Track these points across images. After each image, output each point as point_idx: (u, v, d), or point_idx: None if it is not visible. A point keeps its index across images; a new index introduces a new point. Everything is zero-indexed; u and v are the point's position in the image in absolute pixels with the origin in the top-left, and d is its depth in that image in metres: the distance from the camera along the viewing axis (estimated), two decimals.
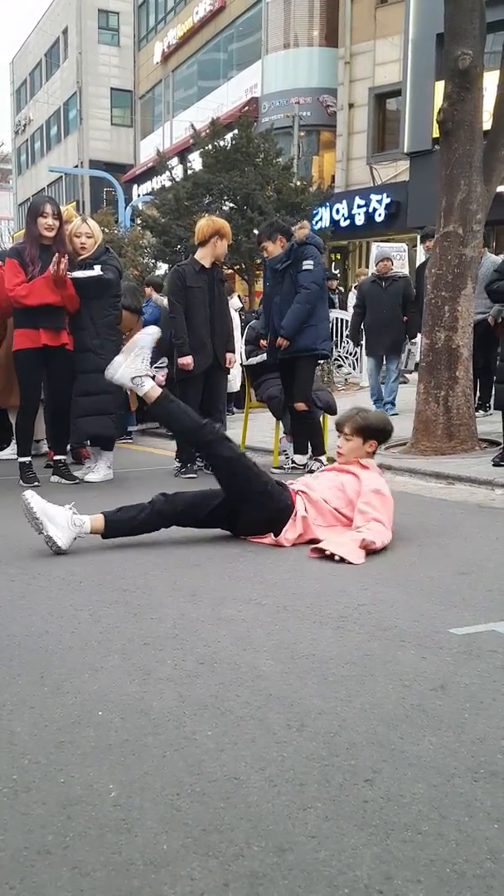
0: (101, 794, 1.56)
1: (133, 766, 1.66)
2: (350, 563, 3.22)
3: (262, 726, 1.83)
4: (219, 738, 1.78)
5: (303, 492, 3.66)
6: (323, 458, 5.67)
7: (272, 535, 3.60)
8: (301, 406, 5.54)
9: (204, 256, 5.58)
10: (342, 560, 3.23)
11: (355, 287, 13.50)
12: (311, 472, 5.43)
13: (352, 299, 11.99)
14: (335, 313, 12.07)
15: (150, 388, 3.67)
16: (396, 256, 14.11)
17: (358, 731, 1.81)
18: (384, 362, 9.20)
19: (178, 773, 1.63)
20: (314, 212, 17.66)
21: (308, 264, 5.44)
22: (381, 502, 3.57)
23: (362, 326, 9.26)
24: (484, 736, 1.78)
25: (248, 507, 3.60)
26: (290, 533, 3.58)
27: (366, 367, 9.46)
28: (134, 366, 3.68)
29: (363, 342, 9.55)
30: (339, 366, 13.07)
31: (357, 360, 12.87)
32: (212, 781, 1.60)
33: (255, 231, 15.16)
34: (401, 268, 13.75)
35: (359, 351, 12.76)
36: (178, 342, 5.52)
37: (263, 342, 6.26)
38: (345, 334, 12.97)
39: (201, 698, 1.98)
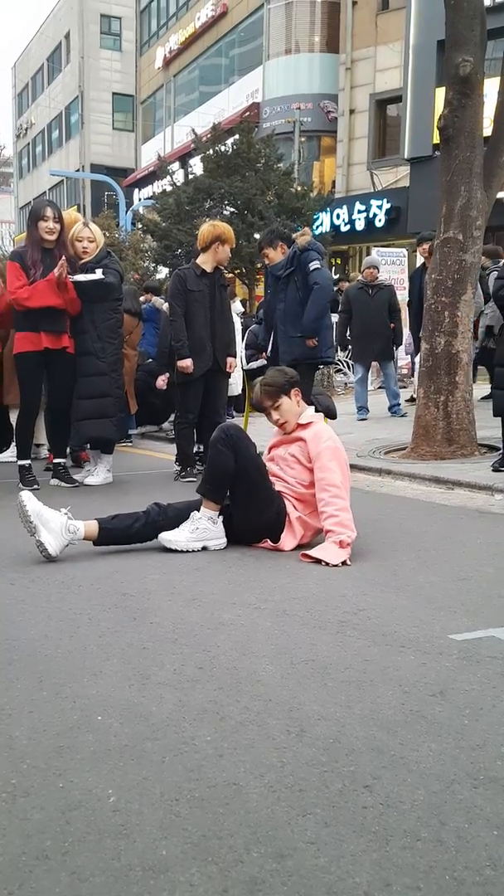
0: (100, 799, 1.56)
1: (132, 772, 1.66)
2: (337, 565, 3.28)
3: (262, 732, 1.83)
4: (218, 743, 1.78)
5: (283, 492, 3.66)
6: None
7: (269, 541, 3.61)
8: None
9: (206, 261, 5.59)
10: (328, 563, 3.29)
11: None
12: None
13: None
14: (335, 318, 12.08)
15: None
16: (397, 262, 14.13)
17: (357, 737, 1.80)
18: (369, 370, 9.25)
19: (177, 779, 1.63)
20: (314, 217, 17.67)
21: (315, 264, 5.46)
22: (332, 455, 3.58)
23: (348, 334, 9.33)
24: (483, 742, 1.78)
25: (247, 514, 3.60)
26: (289, 540, 3.59)
27: (355, 376, 9.46)
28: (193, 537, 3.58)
29: (350, 348, 9.59)
30: (339, 370, 13.06)
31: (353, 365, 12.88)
32: (211, 787, 1.60)
33: (256, 236, 15.16)
34: (400, 273, 13.78)
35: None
36: (178, 345, 5.52)
37: (265, 354, 6.28)
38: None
39: (200, 703, 1.98)
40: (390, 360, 9.24)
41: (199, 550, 3.53)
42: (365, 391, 9.18)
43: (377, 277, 9.07)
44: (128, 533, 3.54)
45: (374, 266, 9.19)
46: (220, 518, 3.59)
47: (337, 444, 3.65)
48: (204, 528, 3.55)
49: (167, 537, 3.53)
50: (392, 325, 8.93)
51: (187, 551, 3.51)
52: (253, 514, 3.59)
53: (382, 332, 8.88)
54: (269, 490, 3.59)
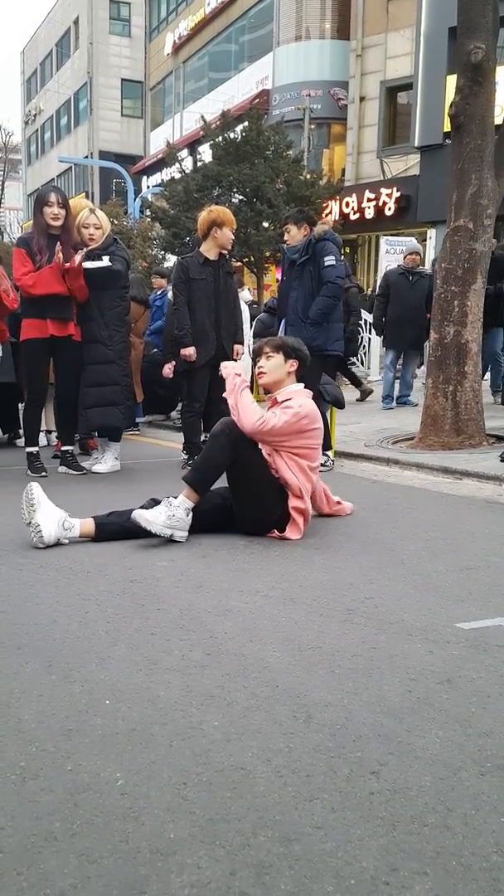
0: (108, 782, 1.57)
1: (140, 755, 1.67)
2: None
3: (269, 717, 1.83)
4: (225, 728, 1.78)
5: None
6: (329, 452, 5.66)
7: (276, 531, 3.61)
8: None
9: (208, 249, 5.58)
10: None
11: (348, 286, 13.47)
12: (321, 464, 5.44)
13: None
14: None
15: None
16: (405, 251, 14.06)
17: (364, 723, 1.81)
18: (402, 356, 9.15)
19: (184, 763, 1.64)
20: (324, 205, 17.60)
21: (330, 260, 5.44)
22: (287, 413, 3.54)
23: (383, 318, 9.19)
24: (490, 730, 1.78)
25: (252, 511, 3.59)
26: (294, 531, 3.59)
27: (385, 361, 9.31)
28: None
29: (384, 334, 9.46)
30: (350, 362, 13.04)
31: (365, 355, 12.85)
32: (218, 771, 1.61)
33: (265, 224, 15.10)
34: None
35: (367, 346, 12.74)
36: (180, 333, 5.52)
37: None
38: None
39: (208, 689, 1.99)
40: (417, 353, 9.13)
41: (167, 538, 3.44)
42: (393, 378, 9.06)
43: (419, 264, 8.95)
44: (126, 526, 3.50)
45: (417, 252, 9.06)
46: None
47: (301, 412, 3.56)
48: (179, 517, 3.45)
49: (145, 516, 3.41)
50: (428, 314, 8.83)
51: (158, 535, 3.42)
52: (258, 511, 3.59)
53: (417, 320, 8.67)
54: (274, 487, 3.57)
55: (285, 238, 5.78)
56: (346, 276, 7.43)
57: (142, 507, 3.54)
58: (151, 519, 3.44)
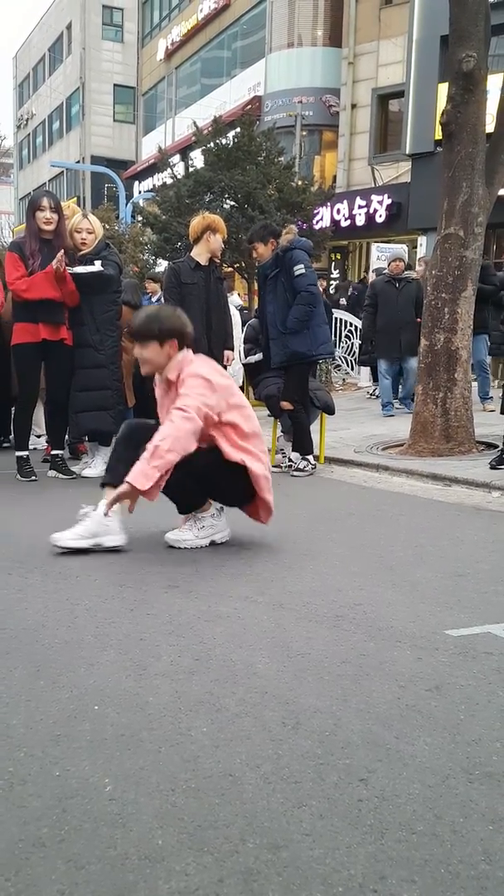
0: (96, 787, 1.56)
1: (128, 761, 1.66)
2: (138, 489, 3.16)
3: (258, 724, 1.83)
4: (214, 734, 1.78)
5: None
6: (310, 457, 5.66)
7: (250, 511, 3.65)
8: (286, 405, 5.60)
9: (199, 253, 5.60)
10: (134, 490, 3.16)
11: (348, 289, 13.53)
12: (299, 470, 5.49)
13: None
14: (335, 313, 12.07)
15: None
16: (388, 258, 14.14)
17: (353, 730, 1.81)
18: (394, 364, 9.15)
19: (173, 769, 1.63)
20: (315, 212, 17.64)
21: (300, 269, 5.46)
22: (194, 385, 3.34)
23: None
24: (479, 737, 1.78)
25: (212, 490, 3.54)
26: (265, 513, 3.63)
27: (379, 368, 9.30)
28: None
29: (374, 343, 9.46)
30: (337, 366, 13.08)
31: (355, 360, 12.89)
32: (207, 777, 1.60)
33: None
34: None
35: (358, 352, 12.77)
36: None
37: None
38: (343, 335, 12.97)
39: (197, 695, 1.98)
40: (414, 356, 9.16)
41: (206, 546, 3.51)
42: (390, 386, 9.07)
43: (404, 270, 8.98)
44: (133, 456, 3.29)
45: (401, 259, 9.10)
46: (223, 510, 3.59)
47: (204, 373, 3.38)
48: (210, 524, 3.54)
49: (173, 537, 3.50)
50: (419, 319, 8.85)
51: (195, 548, 3.47)
52: (218, 490, 3.53)
53: (408, 326, 8.68)
54: (217, 463, 3.41)
55: (254, 256, 5.80)
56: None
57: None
58: (181, 538, 3.49)
